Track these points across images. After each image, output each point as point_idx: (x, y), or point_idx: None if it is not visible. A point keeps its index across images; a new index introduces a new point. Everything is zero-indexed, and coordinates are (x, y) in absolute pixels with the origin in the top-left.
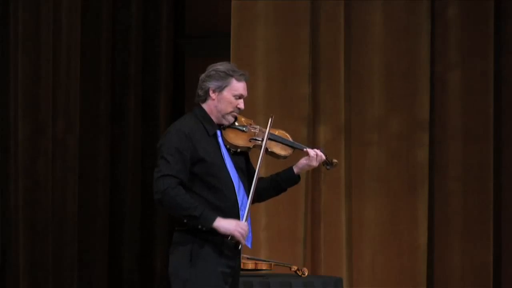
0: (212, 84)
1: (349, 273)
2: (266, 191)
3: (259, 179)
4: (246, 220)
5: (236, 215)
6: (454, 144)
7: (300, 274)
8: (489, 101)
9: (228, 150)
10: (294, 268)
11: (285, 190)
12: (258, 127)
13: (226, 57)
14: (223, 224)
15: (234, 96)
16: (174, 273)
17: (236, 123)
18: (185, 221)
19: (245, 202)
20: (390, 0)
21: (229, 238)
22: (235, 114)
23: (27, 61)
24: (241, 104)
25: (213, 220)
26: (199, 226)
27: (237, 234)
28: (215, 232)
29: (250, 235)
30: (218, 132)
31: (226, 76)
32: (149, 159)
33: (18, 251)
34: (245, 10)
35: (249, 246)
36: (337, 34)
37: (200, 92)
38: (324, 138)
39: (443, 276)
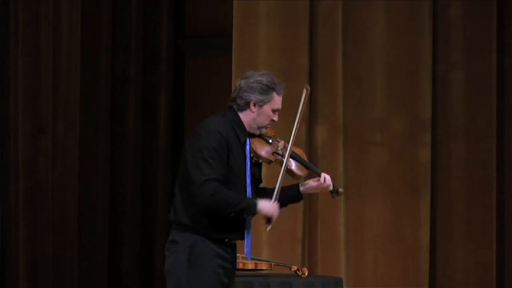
0: (254, 97)
1: (348, 273)
2: None
3: (263, 189)
4: (275, 200)
5: (243, 224)
6: (456, 144)
7: (300, 274)
8: (492, 100)
9: (251, 159)
10: (294, 268)
11: (285, 206)
12: (282, 141)
13: (226, 57)
14: (265, 207)
15: (273, 110)
16: (170, 272)
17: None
18: (232, 215)
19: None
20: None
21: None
22: (269, 126)
23: (27, 61)
24: (276, 117)
25: (256, 205)
26: (245, 215)
27: (275, 215)
28: (215, 237)
29: (250, 249)
30: (248, 140)
31: (269, 90)
32: (149, 159)
33: (18, 251)
34: (247, 10)
35: (250, 259)
36: (334, 34)
37: (240, 102)
38: (322, 138)
39: (446, 276)
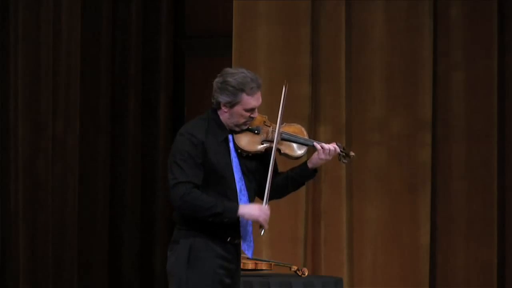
0: (222, 99)
1: (350, 273)
2: (283, 188)
3: (274, 176)
4: (266, 204)
5: (236, 221)
6: (457, 144)
7: (300, 274)
8: (493, 100)
9: (239, 154)
10: (294, 268)
11: (303, 184)
12: (271, 126)
13: (226, 57)
14: (247, 211)
15: (245, 110)
16: (171, 272)
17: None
18: (210, 219)
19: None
20: None
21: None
22: (248, 122)
23: (27, 61)
24: (254, 114)
25: (236, 210)
26: (225, 220)
27: (261, 220)
28: (215, 234)
29: (252, 244)
30: (230, 137)
31: (236, 91)
32: (149, 159)
33: (18, 251)
34: (247, 10)
35: (250, 256)
36: (337, 34)
37: (213, 101)
38: (325, 138)
39: (446, 276)
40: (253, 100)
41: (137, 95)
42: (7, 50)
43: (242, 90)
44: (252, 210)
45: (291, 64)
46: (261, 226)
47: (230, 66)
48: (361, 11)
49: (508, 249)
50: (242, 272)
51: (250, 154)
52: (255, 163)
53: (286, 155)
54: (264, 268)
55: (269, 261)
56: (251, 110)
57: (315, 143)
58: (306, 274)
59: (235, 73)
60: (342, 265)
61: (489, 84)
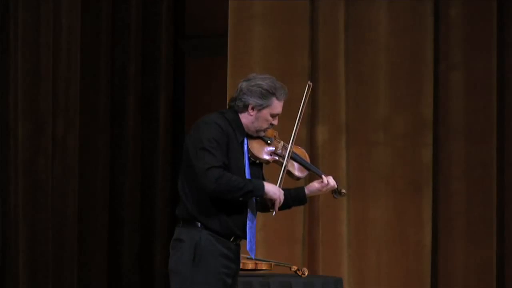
0: (252, 101)
1: (350, 273)
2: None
3: None
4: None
5: (243, 223)
6: (457, 144)
7: (300, 274)
8: (493, 100)
9: (249, 158)
10: (294, 268)
11: (289, 207)
12: (282, 142)
13: (226, 57)
14: (271, 188)
15: (272, 115)
16: (175, 270)
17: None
18: (240, 199)
19: (252, 216)
20: None
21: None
22: (268, 129)
23: (27, 61)
24: (275, 121)
25: (263, 187)
26: (253, 197)
27: (278, 201)
28: (219, 232)
29: (254, 246)
30: (245, 140)
31: (269, 95)
32: (149, 159)
33: (18, 251)
34: (242, 10)
35: (253, 257)
36: (336, 34)
37: (239, 103)
38: (323, 138)
39: (447, 275)
40: (280, 106)
41: (137, 95)
42: (7, 50)
43: (274, 94)
44: (275, 189)
45: (288, 64)
46: (272, 206)
47: (227, 67)
48: (362, 11)
49: (507, 248)
50: (242, 272)
51: (257, 161)
52: (259, 170)
53: (289, 172)
54: (264, 268)
55: (269, 261)
56: (276, 115)
57: (324, 175)
58: (306, 274)
59: (266, 78)
60: (340, 266)
61: (489, 84)
